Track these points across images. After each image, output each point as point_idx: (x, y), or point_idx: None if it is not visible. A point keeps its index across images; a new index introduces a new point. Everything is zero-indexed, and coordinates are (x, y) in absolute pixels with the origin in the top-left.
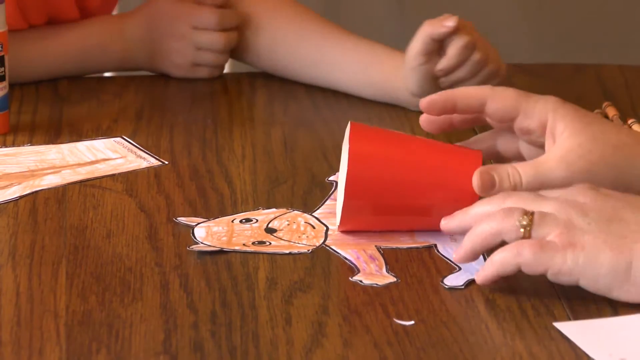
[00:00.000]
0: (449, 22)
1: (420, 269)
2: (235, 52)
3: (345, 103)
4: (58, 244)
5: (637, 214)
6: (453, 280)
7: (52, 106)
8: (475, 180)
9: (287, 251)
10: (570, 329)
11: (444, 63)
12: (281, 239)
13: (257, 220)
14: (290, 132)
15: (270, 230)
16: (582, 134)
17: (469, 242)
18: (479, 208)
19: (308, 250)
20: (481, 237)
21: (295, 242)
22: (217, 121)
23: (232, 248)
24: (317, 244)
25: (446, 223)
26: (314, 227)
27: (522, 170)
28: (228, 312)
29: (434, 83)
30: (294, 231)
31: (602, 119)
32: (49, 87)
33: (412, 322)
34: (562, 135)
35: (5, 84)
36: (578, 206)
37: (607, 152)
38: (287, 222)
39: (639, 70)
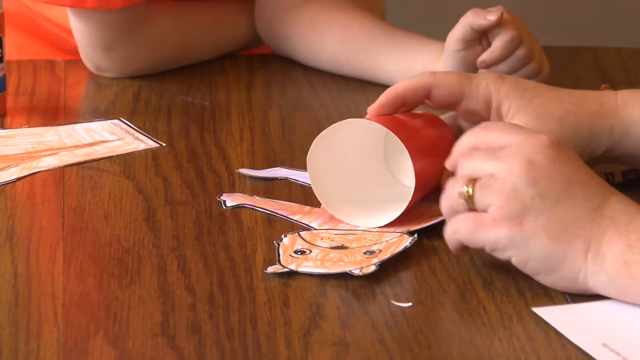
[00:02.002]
0: (491, 16)
1: (417, 251)
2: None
3: (343, 85)
4: (56, 226)
5: (586, 200)
6: None
7: (49, 88)
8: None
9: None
10: (550, 314)
11: (486, 55)
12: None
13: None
14: (288, 114)
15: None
16: (527, 112)
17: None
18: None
19: (411, 241)
20: (447, 218)
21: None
22: (215, 103)
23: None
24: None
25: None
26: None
27: None
28: (226, 294)
29: (472, 71)
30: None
31: (545, 89)
32: (47, 69)
33: (410, 304)
34: (507, 115)
35: (2, 65)
36: (531, 172)
37: (554, 128)
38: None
39: (636, 52)
